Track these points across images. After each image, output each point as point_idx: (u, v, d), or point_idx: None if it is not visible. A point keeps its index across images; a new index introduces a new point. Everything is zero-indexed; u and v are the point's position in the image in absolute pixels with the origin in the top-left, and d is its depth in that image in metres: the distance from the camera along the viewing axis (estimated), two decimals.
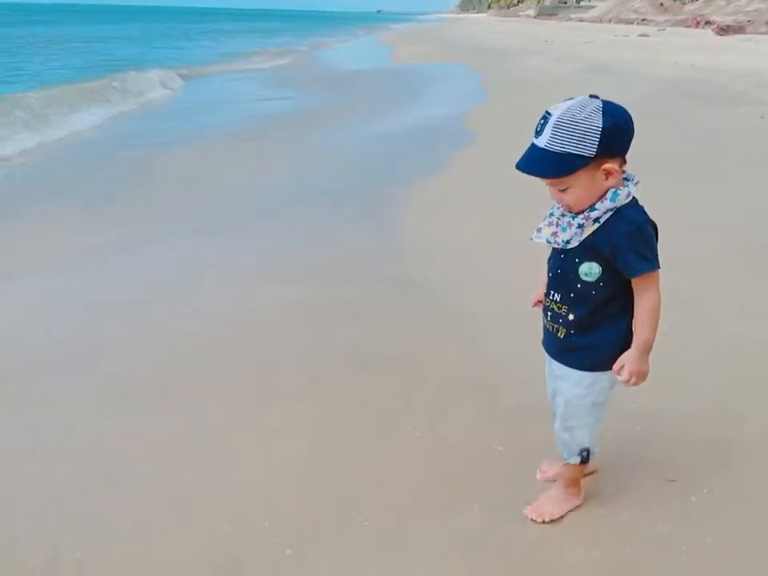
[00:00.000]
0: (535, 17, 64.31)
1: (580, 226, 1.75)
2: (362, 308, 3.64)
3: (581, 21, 52.65)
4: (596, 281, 1.78)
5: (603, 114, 1.64)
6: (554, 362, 1.97)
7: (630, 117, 1.71)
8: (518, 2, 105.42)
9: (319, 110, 11.64)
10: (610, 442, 2.29)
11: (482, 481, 2.25)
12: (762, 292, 3.66)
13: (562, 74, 15.40)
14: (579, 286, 1.81)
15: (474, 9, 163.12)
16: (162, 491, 2.23)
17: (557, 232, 1.80)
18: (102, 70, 17.13)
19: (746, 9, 31.05)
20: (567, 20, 55.59)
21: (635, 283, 1.76)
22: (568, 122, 1.65)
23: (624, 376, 1.78)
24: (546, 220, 1.85)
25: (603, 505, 2.10)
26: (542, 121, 1.69)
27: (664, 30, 36.14)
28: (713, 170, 6.39)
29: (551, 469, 2.21)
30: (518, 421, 2.53)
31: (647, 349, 1.79)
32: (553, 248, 1.88)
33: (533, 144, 1.72)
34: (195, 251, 4.74)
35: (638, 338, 1.79)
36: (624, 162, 1.75)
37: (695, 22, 36.65)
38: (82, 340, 3.35)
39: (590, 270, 1.78)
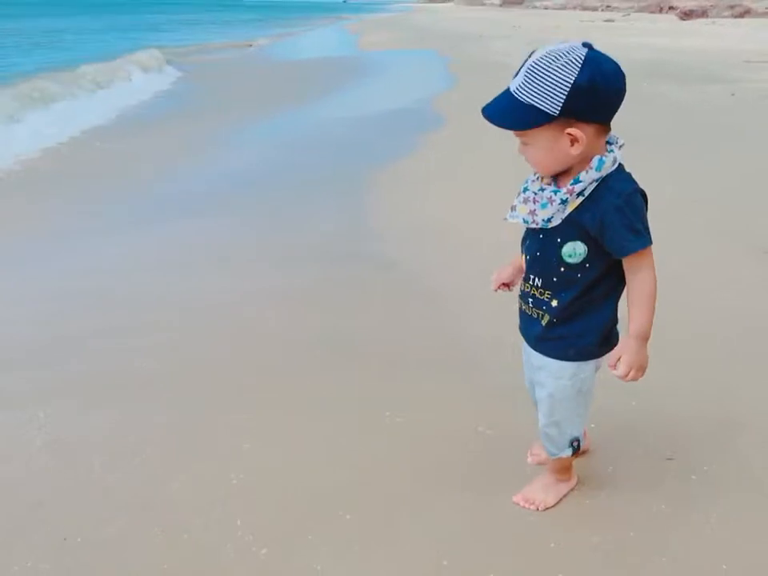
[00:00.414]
0: (500, 5, 64.35)
1: (563, 202, 1.54)
2: (338, 292, 3.49)
3: (545, 9, 52.87)
4: (581, 262, 1.59)
5: (582, 67, 1.41)
6: (532, 351, 1.78)
7: (618, 78, 1.47)
8: None
9: (284, 95, 11.37)
10: (603, 418, 2.18)
11: (470, 466, 2.11)
12: (743, 262, 3.64)
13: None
14: (563, 269, 1.62)
15: None
16: (134, 491, 2.05)
17: (535, 210, 1.59)
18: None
19: None
20: (533, 8, 55.79)
21: (627, 263, 1.57)
22: (542, 69, 1.44)
23: (621, 370, 1.59)
24: (520, 196, 1.64)
25: (599, 487, 1.98)
26: (525, 60, 1.49)
27: (629, 15, 36.41)
28: (688, 146, 6.37)
29: (542, 451, 2.09)
30: (503, 403, 2.39)
31: (645, 337, 1.60)
32: (528, 228, 1.68)
33: (507, 88, 1.52)
34: (165, 238, 4.52)
35: (634, 325, 1.59)
36: (605, 130, 1.53)
37: (659, 8, 37.00)
38: (46, 335, 3.13)
39: (573, 251, 1.58)
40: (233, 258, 4.06)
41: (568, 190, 1.53)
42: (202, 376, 2.71)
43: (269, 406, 2.49)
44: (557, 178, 1.60)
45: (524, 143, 1.56)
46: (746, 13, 25.89)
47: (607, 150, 1.54)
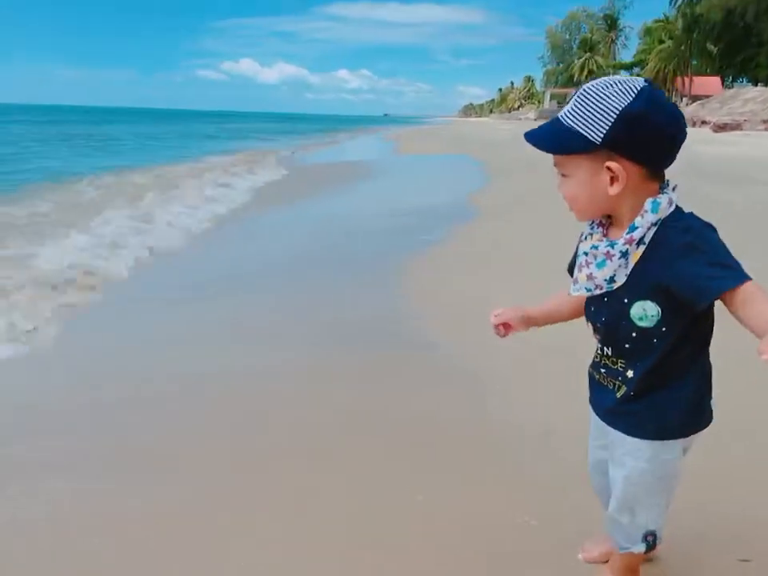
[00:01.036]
0: (535, 119, 66.96)
1: (623, 255, 1.34)
2: (365, 371, 3.32)
3: None
4: (656, 325, 1.35)
5: (637, 96, 1.27)
6: (606, 427, 1.53)
7: (675, 118, 1.31)
8: (518, 106, 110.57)
9: (329, 190, 11.69)
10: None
11: (514, 558, 1.83)
12: None
13: None
14: (635, 334, 1.38)
15: (476, 113, 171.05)
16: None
17: (592, 273, 1.39)
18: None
19: (740, 110, 32.20)
20: None
21: (730, 302, 1.23)
22: (592, 94, 1.31)
23: None
24: (578, 263, 1.45)
25: None
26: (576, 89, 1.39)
27: None
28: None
29: (595, 547, 1.79)
30: (549, 493, 2.13)
31: None
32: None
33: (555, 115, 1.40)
34: (199, 312, 4.45)
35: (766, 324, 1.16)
36: (656, 177, 1.34)
37: (691, 122, 38.01)
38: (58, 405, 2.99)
39: (644, 313, 1.34)
40: (263, 334, 3.95)
41: (626, 239, 1.33)
42: (225, 448, 2.54)
43: (290, 480, 2.28)
44: (607, 233, 1.42)
45: (562, 175, 1.40)
46: None
47: (660, 194, 1.35)
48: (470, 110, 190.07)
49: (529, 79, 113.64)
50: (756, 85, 40.59)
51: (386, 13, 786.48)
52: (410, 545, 1.92)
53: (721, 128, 30.31)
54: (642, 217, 1.32)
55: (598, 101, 1.30)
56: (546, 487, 2.18)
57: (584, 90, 1.34)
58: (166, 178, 13.24)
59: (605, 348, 1.48)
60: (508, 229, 6.89)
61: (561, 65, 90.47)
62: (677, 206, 1.35)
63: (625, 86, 1.29)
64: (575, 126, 1.32)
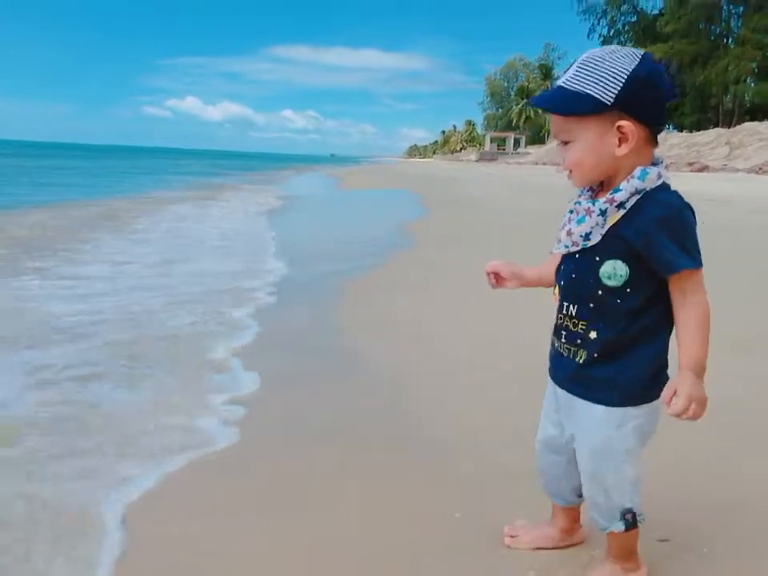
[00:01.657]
0: (477, 161, 68.80)
1: (602, 213, 1.38)
2: (304, 379, 3.24)
3: (519, 164, 56.66)
4: (622, 285, 1.38)
5: (641, 61, 1.35)
6: (567, 397, 1.51)
7: (673, 87, 1.38)
8: (461, 149, 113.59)
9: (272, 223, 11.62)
10: None
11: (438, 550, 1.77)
12: (730, 356, 3.40)
13: (502, 194, 16.07)
14: (600, 292, 1.40)
15: (420, 155, 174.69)
16: None
17: (570, 228, 1.43)
18: None
19: (667, 154, 33.82)
20: (506, 163, 59.75)
21: (675, 284, 1.37)
22: (597, 59, 1.37)
23: (681, 403, 1.29)
24: (563, 223, 1.49)
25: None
26: (571, 63, 1.42)
27: None
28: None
29: (526, 534, 1.78)
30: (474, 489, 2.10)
31: (699, 370, 1.35)
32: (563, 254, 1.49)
33: (551, 86, 1.43)
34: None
35: (686, 357, 1.35)
36: (653, 141, 1.40)
37: None
38: None
39: (614, 271, 1.38)
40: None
41: (607, 199, 1.38)
42: None
43: (229, 495, 2.17)
44: (595, 194, 1.46)
45: (565, 142, 1.42)
46: (705, 168, 27.75)
47: (653, 165, 1.40)
48: (414, 151, 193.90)
49: (470, 123, 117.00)
50: (681, 131, 42.96)
51: (331, 56, 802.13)
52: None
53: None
54: (628, 181, 1.37)
55: (604, 65, 1.36)
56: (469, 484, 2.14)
57: (587, 58, 1.39)
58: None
59: (569, 307, 1.48)
60: (440, 256, 6.94)
61: (500, 110, 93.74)
62: (664, 181, 1.39)
63: (628, 51, 1.38)
64: (584, 89, 1.35)
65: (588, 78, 1.35)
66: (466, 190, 18.37)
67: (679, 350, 1.37)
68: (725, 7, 48.74)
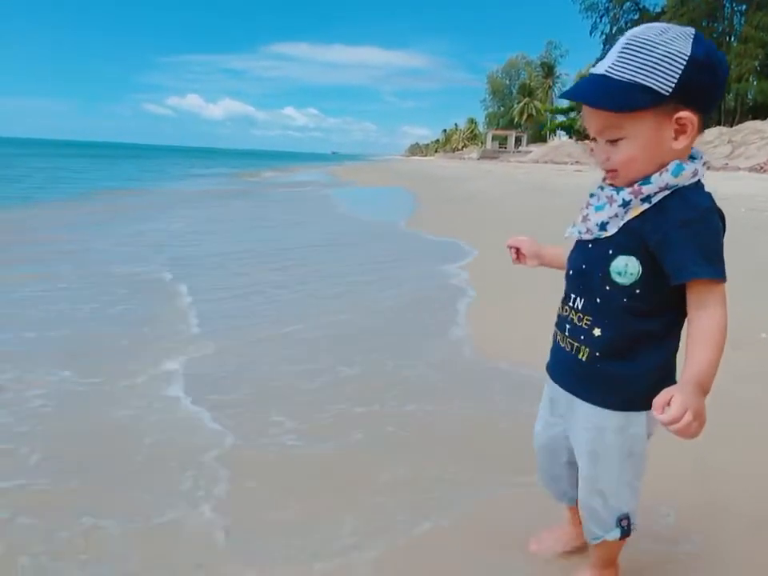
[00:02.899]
0: (478, 159, 68.71)
1: (624, 204, 1.26)
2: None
3: (519, 162, 56.60)
4: (631, 285, 1.27)
5: (696, 41, 1.19)
6: (567, 397, 1.41)
7: (724, 64, 1.24)
8: (462, 147, 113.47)
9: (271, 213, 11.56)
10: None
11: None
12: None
13: (501, 192, 16.01)
14: (608, 287, 1.30)
15: (422, 153, 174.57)
16: None
17: (588, 214, 1.31)
18: None
19: None
20: (507, 162, 59.68)
21: (692, 292, 1.22)
22: (643, 43, 1.20)
23: (674, 411, 1.10)
24: (581, 207, 1.37)
25: None
26: (609, 47, 1.25)
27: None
28: None
29: (551, 534, 1.71)
30: None
31: (703, 384, 1.17)
32: (577, 240, 1.37)
33: (590, 73, 1.25)
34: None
35: (689, 369, 1.19)
36: (702, 129, 1.25)
37: None
38: None
39: (625, 268, 1.27)
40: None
41: (633, 190, 1.26)
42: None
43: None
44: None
45: (612, 141, 1.26)
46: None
47: (688, 162, 1.26)
48: (416, 150, 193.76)
49: (472, 121, 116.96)
50: None
51: (332, 54, 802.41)
52: None
53: None
54: (660, 174, 1.24)
55: (659, 48, 1.19)
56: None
57: (633, 40, 1.22)
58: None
59: (576, 299, 1.37)
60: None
61: (502, 108, 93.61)
62: (699, 180, 1.26)
63: (679, 30, 1.21)
64: (636, 78, 1.19)
65: (639, 64, 1.19)
66: (464, 188, 18.29)
67: (686, 360, 1.22)
68: (727, 5, 48.57)
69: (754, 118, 36.90)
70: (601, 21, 59.43)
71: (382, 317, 4.37)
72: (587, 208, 1.34)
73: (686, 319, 1.27)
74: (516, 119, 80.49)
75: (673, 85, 1.18)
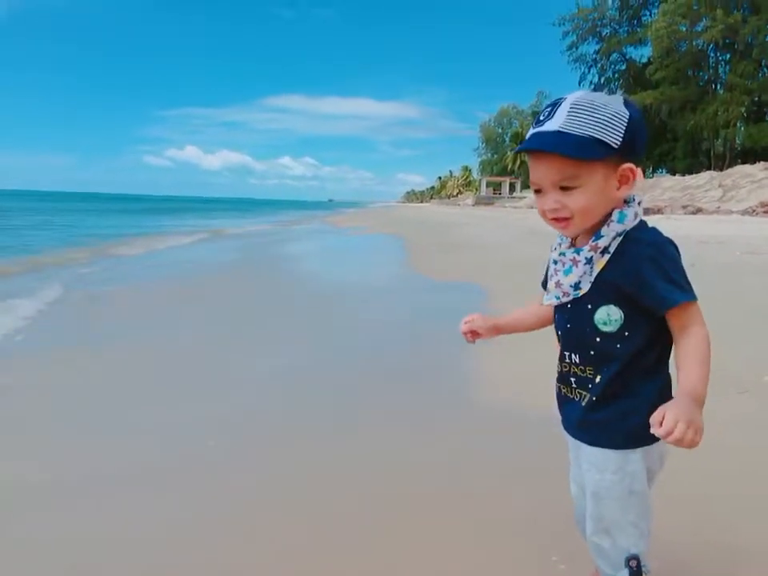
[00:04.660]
0: (473, 205, 69.53)
1: (588, 261, 1.38)
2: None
3: (515, 208, 57.23)
4: (618, 330, 1.37)
5: (626, 103, 1.37)
6: (576, 444, 1.49)
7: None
8: (457, 193, 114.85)
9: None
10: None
11: None
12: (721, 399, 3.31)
13: (500, 238, 16.14)
14: (599, 339, 1.39)
15: (417, 199, 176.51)
16: None
17: (559, 280, 1.41)
18: None
19: (661, 197, 34.19)
20: (503, 207, 60.35)
21: (672, 319, 1.34)
22: (588, 104, 1.34)
23: (667, 423, 1.18)
24: (549, 273, 1.48)
25: None
26: (549, 108, 1.37)
27: None
28: None
29: None
30: None
31: (697, 397, 1.26)
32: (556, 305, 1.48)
33: (538, 131, 1.36)
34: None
35: (682, 384, 1.29)
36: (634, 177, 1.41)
37: None
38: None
39: (608, 318, 1.37)
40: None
41: (591, 246, 1.38)
42: None
43: None
44: (574, 242, 1.45)
45: (567, 188, 1.36)
46: (698, 211, 27.96)
47: (626, 207, 1.40)
48: (411, 196, 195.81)
49: (466, 168, 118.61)
50: (674, 174, 43.47)
51: (326, 105, 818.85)
52: None
53: (644, 211, 31.98)
54: (608, 226, 1.36)
55: (602, 108, 1.34)
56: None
57: (579, 102, 1.35)
58: None
59: (572, 356, 1.45)
60: None
61: (495, 156, 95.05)
62: (641, 219, 1.39)
63: (613, 96, 1.38)
64: (590, 133, 1.32)
65: (591, 121, 1.33)
66: (460, 233, 18.47)
67: (678, 377, 1.31)
68: (711, 55, 49.99)
69: (743, 163, 37.54)
70: (589, 71, 61.11)
71: None
72: (556, 274, 1.45)
73: (673, 343, 1.37)
74: (509, 166, 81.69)
75: (620, 139, 1.33)
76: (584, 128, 1.33)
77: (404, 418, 3.34)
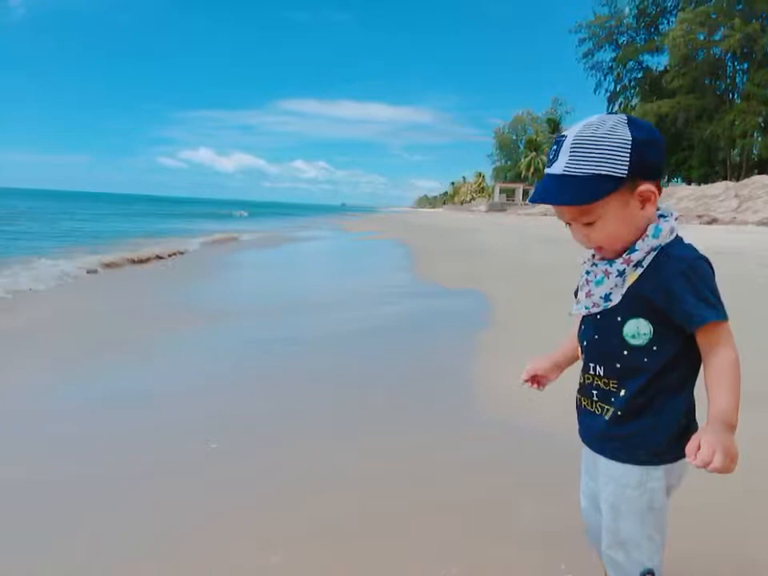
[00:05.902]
0: (486, 211, 69.49)
1: (620, 274, 1.37)
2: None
3: (527, 214, 57.09)
4: (647, 344, 1.36)
5: (629, 125, 1.33)
6: (594, 457, 1.47)
7: (660, 134, 1.39)
8: (471, 199, 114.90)
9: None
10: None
11: None
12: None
13: (508, 242, 16.11)
14: (626, 352, 1.38)
15: (430, 205, 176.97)
16: None
17: (590, 290, 1.40)
18: None
19: (676, 206, 33.98)
20: (516, 214, 60.23)
21: (701, 337, 1.32)
22: (588, 138, 1.32)
23: (704, 453, 1.20)
24: (580, 284, 1.46)
25: None
26: (555, 147, 1.36)
27: None
28: None
29: None
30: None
31: (729, 422, 1.27)
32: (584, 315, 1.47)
33: (547, 174, 1.37)
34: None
35: (713, 408, 1.28)
36: (659, 191, 1.38)
37: None
38: None
39: (637, 331, 1.36)
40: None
41: (624, 260, 1.37)
42: None
43: None
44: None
45: (587, 224, 1.37)
46: (713, 221, 27.73)
47: (662, 221, 1.39)
48: (424, 202, 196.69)
49: (480, 174, 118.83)
50: (690, 184, 43.21)
51: (339, 109, 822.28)
52: None
53: None
54: (643, 240, 1.36)
55: (602, 140, 1.31)
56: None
57: (579, 140, 1.34)
58: None
59: (596, 367, 1.44)
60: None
61: (509, 162, 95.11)
62: (677, 235, 1.38)
63: (612, 120, 1.35)
64: (593, 170, 1.31)
65: (593, 158, 1.32)
66: (473, 239, 18.43)
67: (709, 400, 1.29)
68: (729, 64, 49.71)
69: (760, 173, 37.25)
70: (605, 79, 60.95)
71: None
72: (587, 285, 1.43)
73: (701, 363, 1.35)
74: (523, 173, 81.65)
75: (627, 167, 1.31)
76: (587, 167, 1.32)
77: (408, 425, 3.30)
